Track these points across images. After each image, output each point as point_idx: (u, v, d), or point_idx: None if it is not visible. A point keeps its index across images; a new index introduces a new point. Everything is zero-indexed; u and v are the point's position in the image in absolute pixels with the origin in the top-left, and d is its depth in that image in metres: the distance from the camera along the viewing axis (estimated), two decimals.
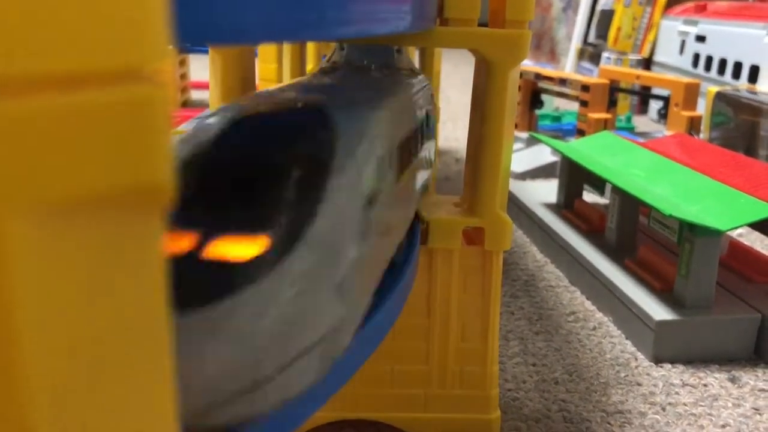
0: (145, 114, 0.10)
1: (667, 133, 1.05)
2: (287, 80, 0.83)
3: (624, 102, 1.46)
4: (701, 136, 1.08)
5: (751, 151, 1.01)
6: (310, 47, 0.99)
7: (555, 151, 0.82)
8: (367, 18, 0.24)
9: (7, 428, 0.10)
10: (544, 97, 1.21)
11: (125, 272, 0.11)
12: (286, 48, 0.68)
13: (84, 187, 0.10)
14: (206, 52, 0.41)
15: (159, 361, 0.13)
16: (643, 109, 1.54)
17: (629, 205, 0.66)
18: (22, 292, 0.10)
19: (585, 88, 1.01)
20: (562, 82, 1.08)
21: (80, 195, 0.10)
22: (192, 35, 0.16)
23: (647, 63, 1.58)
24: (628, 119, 1.33)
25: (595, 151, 0.74)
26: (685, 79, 1.05)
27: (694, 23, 1.37)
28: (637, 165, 0.68)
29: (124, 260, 0.11)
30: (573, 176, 0.78)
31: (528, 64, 1.40)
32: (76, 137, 0.10)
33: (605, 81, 1.02)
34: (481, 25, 0.38)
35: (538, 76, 1.13)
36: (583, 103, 1.02)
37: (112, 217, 0.11)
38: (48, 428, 0.10)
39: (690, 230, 0.54)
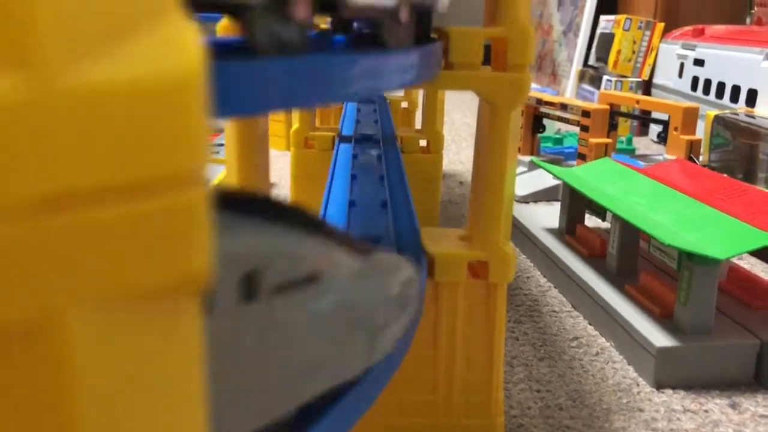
0: (190, 214, 0.12)
1: (667, 156, 1.07)
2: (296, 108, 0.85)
3: (624, 124, 1.47)
4: (701, 158, 1.10)
5: (750, 174, 1.02)
6: None
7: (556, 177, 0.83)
8: (374, 77, 0.26)
9: None
10: (546, 120, 1.23)
11: (168, 350, 0.13)
12: None
13: (136, 281, 0.11)
14: None
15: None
16: (643, 131, 1.56)
17: (629, 231, 0.67)
18: (81, 373, 0.11)
19: (585, 113, 1.03)
20: (563, 107, 1.10)
21: (132, 288, 0.11)
22: (221, 112, 0.18)
23: (647, 86, 1.60)
24: (629, 141, 1.35)
25: (596, 178, 0.76)
26: (684, 104, 1.07)
27: (692, 47, 1.39)
28: (636, 192, 0.70)
29: (168, 336, 0.13)
30: (574, 202, 0.79)
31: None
32: (129, 239, 0.11)
33: (605, 107, 1.04)
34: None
35: (540, 102, 1.15)
36: (584, 128, 1.04)
37: (158, 304, 0.12)
38: None
39: (689, 258, 0.55)
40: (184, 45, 0.12)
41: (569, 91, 1.91)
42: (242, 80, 0.18)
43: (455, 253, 0.43)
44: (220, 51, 0.22)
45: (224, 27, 0.41)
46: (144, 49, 0.11)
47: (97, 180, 0.11)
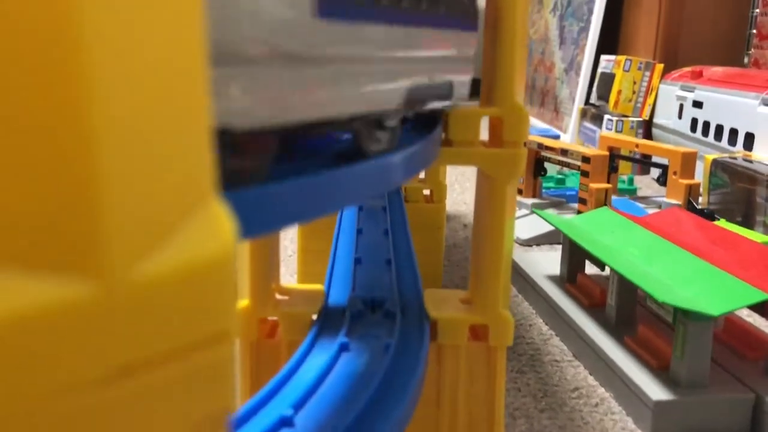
0: (222, 364, 0.14)
1: (667, 200, 1.09)
2: None
3: (625, 163, 1.50)
4: (700, 200, 1.12)
5: (748, 217, 1.04)
6: None
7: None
8: (382, 181, 0.28)
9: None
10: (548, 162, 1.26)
11: None
12: None
13: (181, 422, 0.14)
14: None
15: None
16: (644, 169, 1.58)
17: (628, 283, 0.69)
18: None
19: (586, 159, 1.06)
20: (564, 152, 1.12)
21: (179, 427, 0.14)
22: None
23: (648, 125, 1.63)
24: (630, 181, 1.38)
25: (594, 228, 0.78)
26: (682, 149, 1.09)
27: (691, 89, 1.42)
28: (633, 243, 0.72)
29: None
30: (575, 251, 0.82)
31: (533, 133, 1.44)
32: (177, 389, 0.14)
33: (605, 153, 1.07)
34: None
35: (541, 146, 1.18)
36: (585, 174, 1.06)
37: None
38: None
39: (683, 314, 0.57)
40: (221, 227, 0.14)
41: (571, 129, 1.94)
42: (252, 206, 0.21)
43: (457, 318, 0.45)
44: None
45: None
46: (189, 237, 0.14)
47: (151, 350, 0.13)
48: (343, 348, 0.41)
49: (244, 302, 0.45)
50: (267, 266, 0.47)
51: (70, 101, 0.11)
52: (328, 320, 0.45)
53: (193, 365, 0.14)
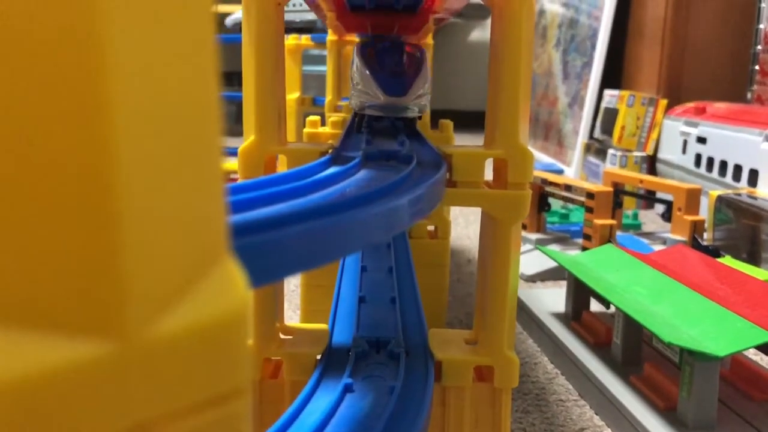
0: (237, 420, 0.14)
1: (672, 236, 1.09)
2: None
3: (630, 198, 1.50)
4: (705, 236, 1.12)
5: (753, 254, 1.04)
6: None
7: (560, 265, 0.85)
8: (386, 228, 0.28)
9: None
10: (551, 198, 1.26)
11: None
12: None
13: None
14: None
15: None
16: (649, 204, 1.58)
17: (633, 322, 0.69)
18: None
19: (590, 195, 1.06)
20: (568, 188, 1.13)
21: None
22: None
23: (652, 160, 1.64)
24: (635, 216, 1.38)
25: (599, 266, 0.78)
26: (687, 185, 1.09)
27: (695, 125, 1.43)
28: (639, 282, 0.72)
29: None
30: (580, 288, 0.81)
31: (537, 167, 1.45)
32: None
33: (609, 189, 1.07)
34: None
35: (545, 181, 1.18)
36: (589, 209, 1.06)
37: None
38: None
39: (690, 354, 0.57)
40: (235, 284, 0.14)
41: (575, 164, 1.94)
42: (257, 255, 0.21)
43: (462, 359, 0.45)
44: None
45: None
46: (204, 295, 0.14)
47: (165, 408, 0.13)
48: (348, 389, 0.41)
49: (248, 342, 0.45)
50: (271, 306, 0.47)
51: (93, 159, 0.12)
52: (333, 360, 0.45)
53: (207, 423, 0.14)
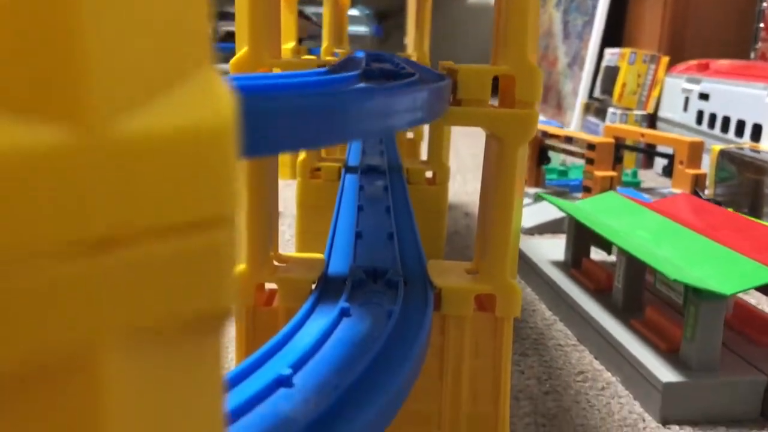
0: (220, 253, 0.12)
1: (673, 190, 1.07)
2: None
3: (630, 156, 1.48)
4: (706, 192, 1.10)
5: (755, 208, 1.02)
6: None
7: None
8: (387, 119, 0.26)
9: None
10: (551, 152, 1.24)
11: (193, 380, 0.13)
12: None
13: (167, 317, 0.12)
14: None
15: None
16: (648, 163, 1.57)
17: (635, 265, 0.67)
18: (110, 408, 0.11)
19: (591, 146, 1.04)
20: (569, 140, 1.11)
21: (163, 324, 0.12)
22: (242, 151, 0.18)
23: (652, 119, 1.61)
24: (634, 174, 1.36)
25: (601, 212, 0.76)
26: (689, 138, 1.08)
27: (697, 81, 1.41)
28: (642, 226, 0.70)
29: (193, 370, 0.13)
30: (580, 235, 0.80)
31: None
32: (164, 277, 0.12)
33: (610, 140, 1.05)
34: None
35: (545, 134, 1.16)
36: (589, 161, 1.04)
37: (185, 338, 0.13)
38: None
39: (695, 294, 0.55)
40: (217, 95, 0.12)
41: (574, 124, 1.92)
42: (260, 122, 0.19)
43: (462, 287, 0.43)
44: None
45: (237, 62, 0.41)
46: (182, 100, 0.12)
47: (137, 222, 0.11)
48: (344, 313, 0.39)
49: (240, 267, 0.43)
50: (265, 233, 0.45)
51: None
52: (328, 288, 0.43)
53: (184, 249, 0.12)
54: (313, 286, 0.44)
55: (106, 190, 0.11)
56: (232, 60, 0.41)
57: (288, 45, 1.32)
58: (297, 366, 0.33)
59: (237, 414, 0.28)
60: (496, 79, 0.41)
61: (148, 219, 0.11)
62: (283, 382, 0.31)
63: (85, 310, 0.11)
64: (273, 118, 0.20)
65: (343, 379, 0.31)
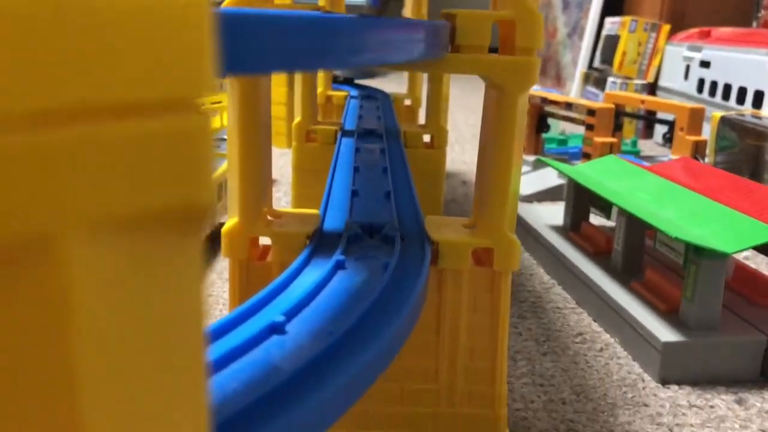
0: (192, 141, 0.11)
1: (672, 157, 1.06)
2: (298, 103, 0.85)
3: (629, 126, 1.47)
4: (706, 160, 1.09)
5: (755, 175, 1.01)
6: (321, 70, 1.01)
7: (561, 174, 0.82)
8: (382, 47, 0.25)
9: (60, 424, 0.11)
10: (551, 120, 1.23)
11: (170, 283, 0.12)
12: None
13: (137, 205, 0.11)
14: None
15: (195, 369, 0.13)
16: (648, 133, 1.55)
17: (635, 227, 0.67)
18: (79, 302, 0.10)
19: (591, 112, 1.03)
20: (568, 106, 1.09)
21: (133, 213, 0.11)
22: (221, 66, 0.17)
23: (652, 88, 1.60)
24: (634, 143, 1.35)
25: (601, 175, 0.75)
26: (690, 104, 1.06)
27: (699, 49, 1.39)
28: (643, 189, 0.69)
29: (169, 272, 0.12)
30: (579, 199, 0.79)
31: (534, 89, 1.41)
32: (133, 161, 0.11)
33: (611, 106, 1.03)
34: (491, 50, 0.40)
35: (545, 101, 1.15)
36: (589, 127, 1.03)
37: (159, 234, 0.12)
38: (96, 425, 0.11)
39: (696, 253, 0.55)
40: None
41: (574, 93, 1.90)
42: (250, 34, 0.18)
43: (459, 240, 0.42)
44: None
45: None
46: None
47: (100, 95, 0.10)
48: (339, 266, 0.38)
49: (233, 220, 0.42)
50: (258, 187, 0.44)
51: None
52: (324, 242, 0.42)
53: (152, 132, 0.11)
54: (308, 241, 0.43)
55: (60, 58, 0.10)
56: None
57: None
58: (290, 314, 0.32)
59: (227, 360, 0.27)
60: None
61: (114, 92, 0.10)
62: (277, 329, 0.30)
63: (47, 191, 0.10)
64: (263, 30, 0.19)
65: (337, 327, 0.30)
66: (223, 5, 0.39)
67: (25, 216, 0.10)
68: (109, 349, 0.11)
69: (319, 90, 1.02)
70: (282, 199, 1.05)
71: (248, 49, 0.18)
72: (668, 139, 1.12)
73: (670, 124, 1.10)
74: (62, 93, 0.10)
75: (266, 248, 0.46)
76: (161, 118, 0.11)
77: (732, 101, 1.24)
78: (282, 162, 1.21)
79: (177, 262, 0.12)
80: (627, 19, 1.71)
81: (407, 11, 1.37)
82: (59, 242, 0.10)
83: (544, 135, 1.23)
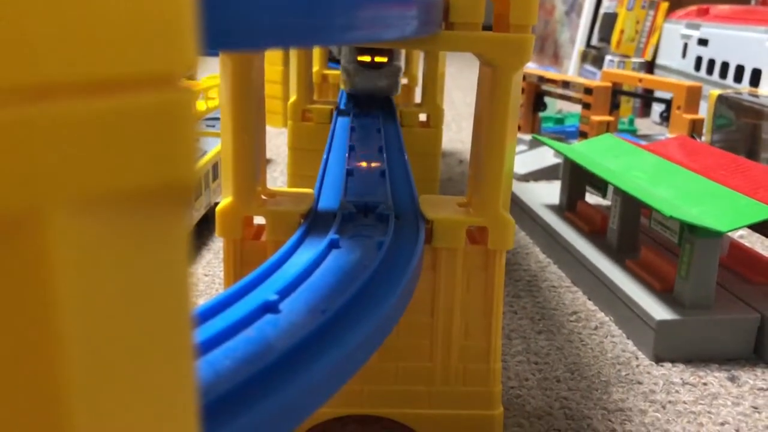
0: (176, 117, 0.11)
1: (669, 135, 1.06)
2: (293, 81, 0.84)
3: (626, 105, 1.46)
4: (703, 138, 1.09)
5: (752, 153, 1.01)
6: (317, 49, 1.00)
7: (557, 153, 0.82)
8: (374, 23, 0.25)
9: (44, 416, 0.11)
10: (547, 99, 1.22)
11: (154, 261, 0.12)
12: (293, 50, 0.69)
13: (119, 182, 0.11)
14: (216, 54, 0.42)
15: (181, 345, 0.13)
16: (645, 111, 1.55)
17: (631, 206, 0.67)
18: (61, 278, 0.10)
19: (588, 90, 1.02)
20: (565, 84, 1.09)
21: (115, 190, 0.11)
22: (209, 42, 0.17)
23: (650, 66, 1.59)
24: (631, 122, 1.34)
25: (598, 154, 0.75)
26: (688, 82, 1.06)
27: (697, 27, 1.38)
28: (638, 167, 0.69)
29: (153, 250, 0.12)
30: (575, 178, 0.79)
31: (531, 67, 1.41)
32: (114, 137, 0.11)
33: (608, 84, 1.03)
34: (485, 28, 0.39)
35: (542, 79, 1.14)
36: (586, 106, 1.03)
37: (142, 212, 0.12)
38: (82, 413, 0.11)
39: (690, 231, 0.55)
40: None
41: (571, 72, 1.89)
42: (235, 7, 0.18)
43: (454, 219, 0.42)
44: None
45: None
46: None
47: (77, 70, 0.10)
48: (333, 245, 0.38)
49: (227, 200, 0.42)
50: (251, 165, 0.43)
51: None
52: (318, 221, 0.42)
53: (134, 107, 0.11)
54: (302, 220, 0.43)
55: (46, 33, 0.09)
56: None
57: None
58: (284, 293, 0.32)
59: (220, 338, 0.28)
60: None
61: (92, 67, 0.10)
62: (270, 307, 0.30)
63: (28, 167, 0.10)
64: (250, 4, 0.18)
65: (331, 305, 0.30)
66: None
67: (6, 192, 0.10)
68: (93, 324, 0.11)
69: (315, 69, 1.01)
70: (278, 178, 1.04)
71: (234, 23, 0.18)
72: (665, 118, 1.12)
73: (668, 103, 1.10)
74: (40, 68, 0.10)
75: (260, 227, 0.46)
76: (141, 94, 0.11)
77: (729, 79, 1.23)
78: (278, 141, 1.21)
79: (161, 239, 0.12)
80: None
81: None
82: (40, 218, 0.10)
83: (540, 114, 1.23)
